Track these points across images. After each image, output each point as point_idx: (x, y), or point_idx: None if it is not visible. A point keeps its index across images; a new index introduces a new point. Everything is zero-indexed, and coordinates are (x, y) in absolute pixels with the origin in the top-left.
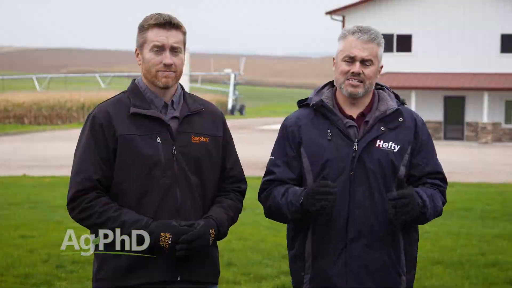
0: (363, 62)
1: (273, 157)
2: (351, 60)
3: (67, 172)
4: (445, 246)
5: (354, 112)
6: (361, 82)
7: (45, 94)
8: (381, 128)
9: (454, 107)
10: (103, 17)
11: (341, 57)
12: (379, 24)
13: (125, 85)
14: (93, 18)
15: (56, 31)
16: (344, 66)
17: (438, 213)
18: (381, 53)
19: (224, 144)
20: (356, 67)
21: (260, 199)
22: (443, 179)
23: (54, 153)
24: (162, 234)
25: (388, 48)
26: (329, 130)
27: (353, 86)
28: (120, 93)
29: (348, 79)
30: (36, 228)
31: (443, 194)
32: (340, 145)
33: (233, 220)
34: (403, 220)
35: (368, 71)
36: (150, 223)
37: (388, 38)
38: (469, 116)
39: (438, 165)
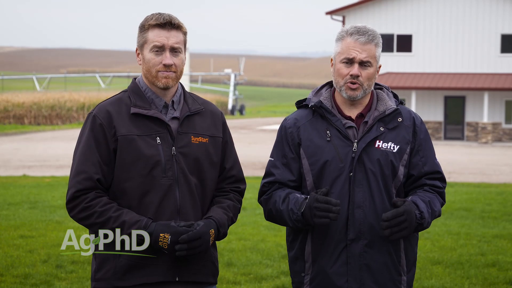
0: (362, 64)
1: (272, 159)
2: (350, 62)
3: (67, 172)
4: (445, 246)
5: (353, 112)
6: (360, 85)
7: (45, 94)
8: (380, 128)
9: (454, 107)
10: (103, 17)
11: (340, 59)
12: (379, 24)
13: (125, 85)
14: (93, 18)
15: (56, 31)
16: (343, 69)
17: (436, 217)
18: (379, 53)
19: (224, 144)
20: (355, 69)
21: (260, 201)
22: (442, 179)
23: (54, 153)
24: (161, 234)
25: (388, 48)
26: (328, 131)
27: (352, 89)
28: (121, 92)
29: (347, 82)
30: (36, 228)
31: (442, 195)
32: (339, 146)
33: (232, 220)
34: (398, 237)
35: (367, 72)
36: (150, 223)
37: (388, 38)
38: (469, 116)
39: (436, 164)
